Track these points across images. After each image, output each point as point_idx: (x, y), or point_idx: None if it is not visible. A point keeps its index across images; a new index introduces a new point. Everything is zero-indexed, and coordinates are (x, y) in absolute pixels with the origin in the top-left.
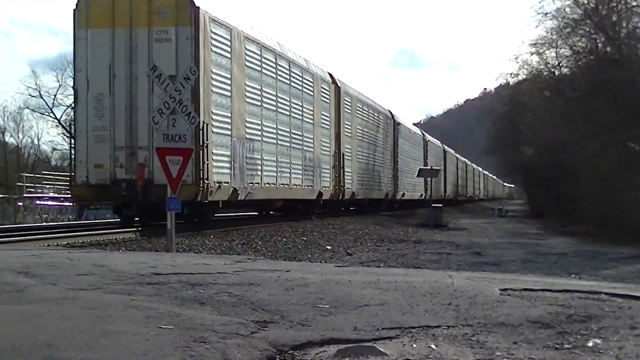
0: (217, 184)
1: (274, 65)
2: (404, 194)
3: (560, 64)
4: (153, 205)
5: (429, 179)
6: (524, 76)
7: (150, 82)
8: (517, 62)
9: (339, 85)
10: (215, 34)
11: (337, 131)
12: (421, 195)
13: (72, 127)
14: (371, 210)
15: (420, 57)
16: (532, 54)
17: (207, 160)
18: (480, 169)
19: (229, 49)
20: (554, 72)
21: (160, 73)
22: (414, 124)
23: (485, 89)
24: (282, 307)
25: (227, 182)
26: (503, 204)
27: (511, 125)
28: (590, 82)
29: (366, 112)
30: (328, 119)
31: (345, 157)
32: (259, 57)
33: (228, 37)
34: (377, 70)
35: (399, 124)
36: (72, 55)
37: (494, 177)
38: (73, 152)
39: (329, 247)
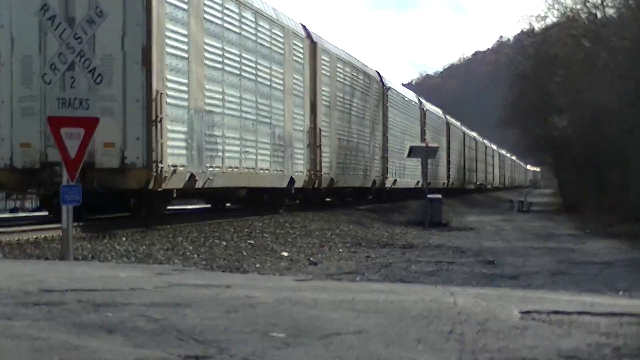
0: (172, 168)
1: (238, 18)
2: (395, 180)
3: (605, 2)
4: (95, 194)
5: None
6: (555, 19)
7: (91, 41)
8: (546, 1)
9: (314, 40)
10: None
11: (313, 100)
12: (418, 182)
13: None
14: (354, 202)
15: None
16: None
17: (161, 139)
18: (494, 147)
19: (185, 1)
20: (595, 13)
21: (53, 14)
22: (403, 85)
23: (501, 37)
24: (220, 337)
25: (184, 166)
26: (525, 194)
27: (537, 87)
28: None
29: (349, 75)
30: (302, 84)
31: (323, 133)
32: (220, 8)
33: None
34: (352, 12)
35: (389, 88)
36: None
37: (513, 157)
38: None
39: (286, 254)
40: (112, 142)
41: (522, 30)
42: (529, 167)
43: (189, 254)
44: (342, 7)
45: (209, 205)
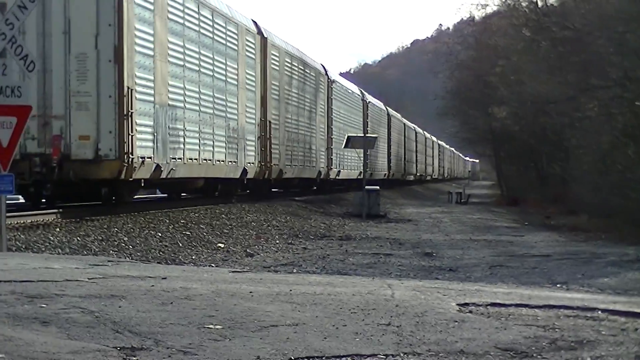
0: (141, 160)
1: (197, 17)
2: (339, 171)
3: None
4: (71, 184)
5: (368, 152)
6: (496, 8)
7: (67, 40)
8: None
9: (265, 36)
10: None
11: (264, 94)
12: (361, 173)
13: None
14: (299, 193)
15: None
16: None
17: (132, 132)
18: (434, 138)
19: (152, 0)
20: (536, 2)
21: None
22: (342, 74)
23: (440, 25)
24: (156, 329)
25: (150, 157)
26: (464, 186)
27: (477, 78)
28: (588, 16)
29: (296, 69)
30: (253, 78)
31: (273, 126)
32: (181, 8)
33: None
34: None
35: (334, 81)
36: None
37: (452, 149)
38: None
39: (222, 245)
40: (87, 135)
41: (462, 19)
42: (468, 158)
43: (124, 245)
44: None
45: (165, 195)
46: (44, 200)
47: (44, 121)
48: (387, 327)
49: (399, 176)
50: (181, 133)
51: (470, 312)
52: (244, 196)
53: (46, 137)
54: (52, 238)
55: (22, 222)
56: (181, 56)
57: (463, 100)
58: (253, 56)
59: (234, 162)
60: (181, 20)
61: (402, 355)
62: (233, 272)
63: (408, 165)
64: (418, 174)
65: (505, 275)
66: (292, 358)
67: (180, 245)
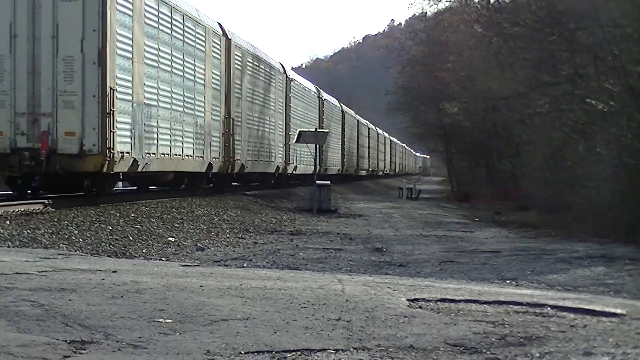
0: (121, 154)
1: (169, 20)
2: (296, 167)
3: None
4: (57, 176)
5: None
6: (447, 4)
7: (55, 43)
8: None
9: (229, 37)
10: None
11: (227, 92)
12: (315, 169)
13: None
14: (258, 187)
15: None
16: None
17: (113, 129)
18: (386, 134)
19: (131, 6)
20: None
21: None
22: (294, 69)
23: (392, 21)
24: (106, 322)
25: (129, 152)
26: (414, 181)
27: (428, 73)
28: (539, 13)
29: (257, 68)
30: (219, 78)
31: (236, 123)
32: (156, 13)
33: None
34: None
35: (292, 80)
36: None
37: (404, 145)
38: None
39: (172, 239)
40: (72, 131)
41: (414, 15)
42: (418, 154)
43: (74, 238)
44: None
45: (135, 187)
46: (29, 192)
47: (33, 118)
48: (337, 322)
49: (352, 171)
50: (155, 130)
51: (420, 307)
52: (208, 189)
53: (35, 133)
54: (1, 231)
55: None
56: (155, 58)
57: (414, 95)
58: (218, 57)
59: (201, 157)
60: (156, 25)
61: (351, 350)
62: (184, 266)
63: (361, 160)
64: (370, 169)
65: (455, 271)
66: (242, 352)
67: (131, 238)
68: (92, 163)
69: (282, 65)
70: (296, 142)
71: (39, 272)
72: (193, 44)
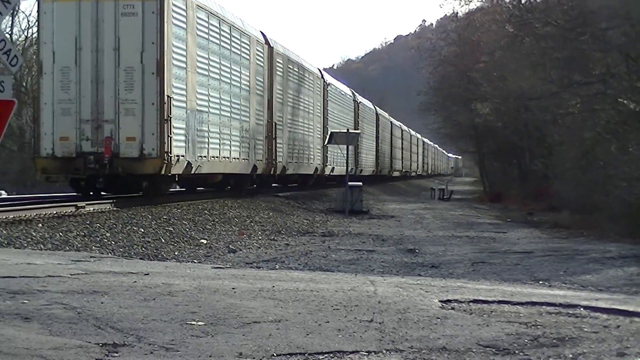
0: (177, 158)
1: (219, 32)
2: (333, 168)
3: None
4: (120, 178)
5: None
6: (479, 4)
7: (117, 55)
8: None
9: (271, 45)
10: (175, 5)
11: (270, 98)
12: (351, 169)
13: (35, 98)
14: (297, 187)
15: None
16: None
17: (170, 134)
18: (418, 135)
19: (185, 20)
20: None
21: None
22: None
23: (423, 21)
24: (138, 325)
25: (183, 156)
26: (446, 182)
27: (459, 73)
28: (570, 13)
29: (297, 74)
30: (262, 84)
31: (277, 127)
32: (206, 25)
33: (184, 7)
34: None
35: (329, 84)
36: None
37: (436, 145)
38: (37, 124)
39: (205, 242)
40: (133, 136)
41: (445, 15)
42: (450, 155)
43: (106, 241)
44: None
45: (184, 189)
46: (91, 193)
47: (97, 125)
48: (369, 324)
49: (385, 172)
50: (206, 134)
51: (453, 308)
52: (252, 190)
53: (98, 138)
54: (34, 234)
55: (3, 217)
56: (206, 67)
57: (446, 96)
58: (262, 64)
59: (246, 159)
60: (206, 36)
61: (384, 352)
62: (216, 268)
63: (394, 162)
64: (403, 170)
65: (487, 272)
66: (275, 355)
67: (163, 241)
68: (152, 166)
69: (319, 70)
70: (327, 143)
71: (71, 274)
72: (239, 52)
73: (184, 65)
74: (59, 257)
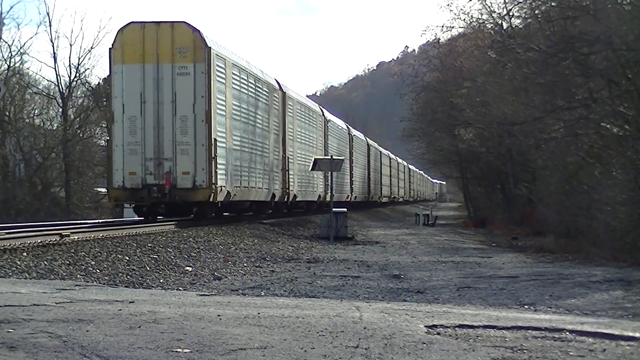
0: (220, 188)
1: (247, 83)
2: (333, 195)
3: (511, 13)
4: (176, 205)
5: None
6: (461, 30)
7: (174, 107)
8: (451, 11)
9: (284, 90)
10: (218, 65)
11: (283, 135)
12: (347, 197)
13: (108, 141)
14: (301, 212)
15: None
16: None
17: (216, 169)
18: (405, 162)
19: (224, 76)
20: (501, 24)
21: None
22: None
23: (406, 48)
24: (124, 353)
25: (224, 186)
26: (431, 207)
27: (442, 99)
28: (552, 38)
29: (305, 114)
30: (277, 124)
31: (289, 160)
32: (238, 78)
33: (224, 66)
34: (257, 19)
35: (329, 120)
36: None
37: (421, 172)
38: (110, 161)
39: (190, 269)
40: (187, 171)
41: (427, 41)
42: (434, 180)
43: (91, 269)
44: (248, 16)
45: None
46: (149, 217)
47: (158, 162)
48: (355, 350)
49: (376, 199)
50: (239, 168)
51: (439, 333)
52: (268, 215)
53: (160, 173)
54: (19, 262)
55: None
56: (238, 113)
57: (429, 122)
58: (277, 107)
59: (267, 188)
60: (238, 87)
61: None
62: (201, 295)
63: (383, 188)
64: (391, 196)
65: (473, 297)
66: None
67: (148, 268)
68: (202, 195)
69: (321, 109)
70: (312, 169)
71: (56, 303)
72: (261, 98)
73: (224, 113)
74: (44, 285)
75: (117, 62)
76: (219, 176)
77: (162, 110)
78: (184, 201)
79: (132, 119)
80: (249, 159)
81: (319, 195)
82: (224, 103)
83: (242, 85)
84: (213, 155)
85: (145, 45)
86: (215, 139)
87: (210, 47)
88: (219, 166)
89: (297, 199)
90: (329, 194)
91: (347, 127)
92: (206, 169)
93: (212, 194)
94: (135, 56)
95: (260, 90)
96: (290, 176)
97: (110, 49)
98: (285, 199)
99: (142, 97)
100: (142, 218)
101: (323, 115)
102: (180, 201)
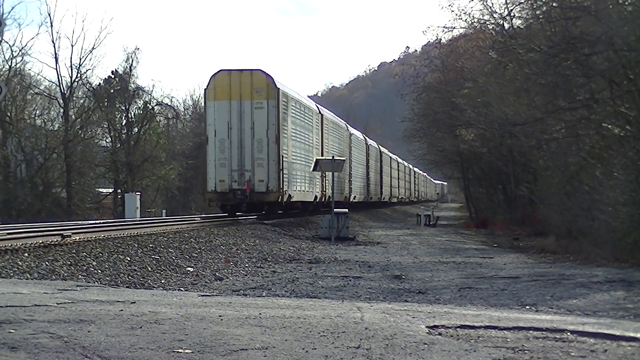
0: (284, 191)
1: (299, 111)
2: (355, 196)
3: (512, 14)
4: (254, 204)
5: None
6: (462, 30)
7: (252, 131)
8: (452, 11)
9: (321, 112)
10: (283, 101)
11: (321, 149)
12: (364, 197)
13: (204, 158)
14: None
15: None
16: None
17: (282, 178)
18: (405, 162)
19: (286, 108)
20: (502, 24)
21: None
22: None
23: (407, 48)
24: (125, 354)
25: (286, 190)
26: (432, 208)
27: (444, 99)
28: (554, 38)
29: (335, 130)
30: (318, 141)
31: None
32: (294, 107)
33: (286, 101)
34: (257, 21)
35: (352, 134)
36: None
37: (425, 174)
38: (205, 172)
39: (191, 269)
40: (262, 179)
41: (428, 42)
42: (436, 181)
43: (92, 269)
44: (245, 15)
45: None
46: (226, 213)
47: (240, 172)
48: (356, 350)
49: (375, 199)
50: (295, 177)
51: (440, 334)
52: (293, 213)
53: (242, 180)
54: (20, 263)
55: None
56: (295, 135)
57: (430, 122)
58: (318, 127)
59: (312, 191)
60: (294, 114)
61: None
62: (202, 296)
63: (383, 188)
64: (392, 197)
65: (474, 297)
66: None
67: (149, 269)
68: (273, 197)
69: (346, 124)
70: (313, 170)
71: (57, 303)
72: (307, 121)
73: (287, 135)
74: (46, 286)
75: (210, 99)
76: (284, 183)
77: (244, 134)
78: (260, 201)
79: (221, 141)
80: (301, 169)
81: (345, 197)
82: (286, 128)
83: (297, 113)
84: (280, 168)
85: (231, 87)
86: (282, 155)
87: (279, 88)
88: (283, 176)
89: (332, 200)
90: (351, 194)
91: (365, 137)
92: (275, 178)
93: (280, 196)
94: (223, 95)
95: (307, 115)
96: (325, 181)
97: (205, 89)
98: (323, 200)
99: (229, 125)
100: (227, 214)
101: (347, 129)
102: (256, 201)
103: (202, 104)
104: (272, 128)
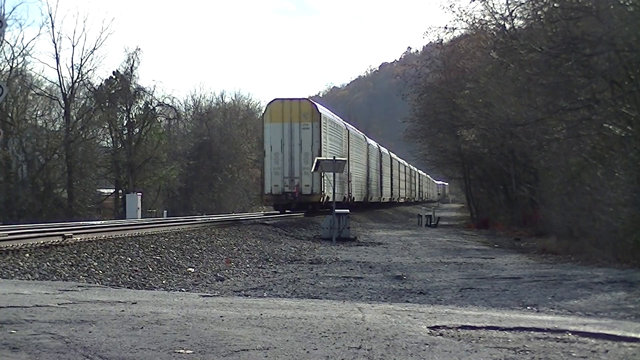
0: (324, 194)
1: (334, 129)
2: (372, 197)
3: (513, 14)
4: (301, 204)
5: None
6: (463, 31)
7: (300, 147)
8: (453, 12)
9: (348, 129)
10: (323, 123)
11: (348, 159)
12: (344, 198)
13: (261, 168)
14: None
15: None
16: (473, 0)
17: (323, 183)
18: (406, 163)
19: (326, 128)
20: (503, 25)
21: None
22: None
23: (408, 48)
24: (126, 354)
25: (325, 192)
26: (434, 208)
27: (445, 100)
28: (555, 39)
29: (357, 143)
30: (345, 150)
31: (351, 175)
32: (331, 128)
33: (326, 122)
34: (257, 24)
35: (382, 154)
36: None
37: (428, 175)
38: (262, 179)
39: (192, 270)
40: (308, 184)
41: (430, 42)
42: (437, 181)
43: (93, 270)
44: (242, 14)
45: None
46: (276, 211)
47: (291, 179)
48: (358, 351)
49: (375, 199)
50: (327, 181)
51: (441, 334)
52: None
53: (292, 185)
54: (21, 264)
55: None
56: (331, 148)
57: (431, 123)
58: (346, 140)
59: (341, 193)
60: (330, 133)
61: None
62: (203, 296)
63: (384, 189)
64: (392, 197)
65: (475, 298)
66: None
67: (151, 269)
68: (317, 198)
69: (377, 144)
70: (314, 170)
71: (58, 304)
72: (338, 136)
73: (326, 149)
74: (47, 286)
75: (267, 122)
76: (324, 187)
77: (293, 149)
78: (306, 202)
79: (276, 154)
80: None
81: (370, 197)
82: (325, 144)
83: (332, 131)
84: (322, 175)
85: (283, 112)
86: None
87: (320, 113)
88: (324, 181)
89: (355, 200)
90: (370, 194)
91: (379, 147)
92: (318, 183)
93: (321, 198)
94: (277, 118)
95: (339, 132)
96: (352, 184)
97: (262, 114)
98: (349, 201)
99: (282, 142)
100: (278, 212)
101: (366, 141)
102: (303, 202)
103: (204, 104)
104: (315, 144)
